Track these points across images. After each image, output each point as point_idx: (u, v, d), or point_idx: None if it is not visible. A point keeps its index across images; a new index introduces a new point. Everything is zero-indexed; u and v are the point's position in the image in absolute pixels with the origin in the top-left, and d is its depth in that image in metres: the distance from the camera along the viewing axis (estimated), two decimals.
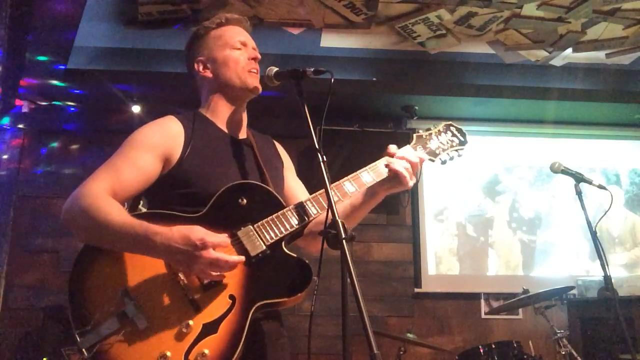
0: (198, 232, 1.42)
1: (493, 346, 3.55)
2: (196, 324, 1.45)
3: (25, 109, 4.40)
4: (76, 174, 4.62)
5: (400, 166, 1.69)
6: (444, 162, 1.85)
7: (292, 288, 1.52)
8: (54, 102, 4.46)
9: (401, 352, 3.70)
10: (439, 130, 1.86)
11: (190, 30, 1.87)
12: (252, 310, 1.48)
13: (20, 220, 4.58)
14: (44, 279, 4.44)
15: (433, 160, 1.82)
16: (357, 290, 1.26)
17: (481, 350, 3.55)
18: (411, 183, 1.70)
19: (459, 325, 4.73)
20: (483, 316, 4.77)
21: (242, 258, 1.49)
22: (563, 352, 3.45)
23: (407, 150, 1.76)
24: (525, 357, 3.53)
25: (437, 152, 1.83)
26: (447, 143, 1.85)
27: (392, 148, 1.75)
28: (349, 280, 1.29)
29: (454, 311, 4.77)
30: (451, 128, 1.89)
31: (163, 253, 1.43)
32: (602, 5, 3.73)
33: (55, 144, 4.79)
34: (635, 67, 4.53)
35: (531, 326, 4.67)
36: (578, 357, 3.42)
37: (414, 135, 1.83)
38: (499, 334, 4.66)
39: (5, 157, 4.72)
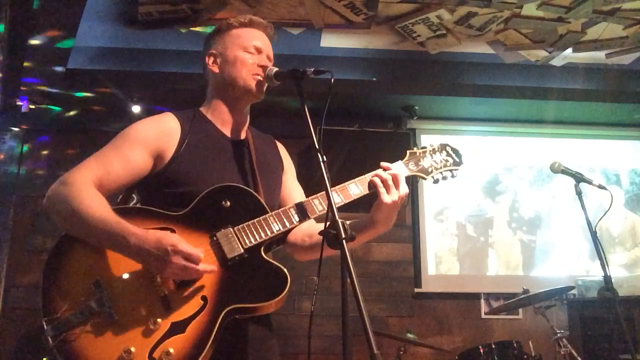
0: (171, 238, 1.43)
1: (493, 346, 3.55)
2: (165, 321, 1.44)
3: (25, 109, 4.40)
4: None
5: (377, 178, 1.65)
6: (436, 181, 1.83)
7: (265, 294, 1.50)
8: (53, 102, 4.45)
9: (401, 352, 3.70)
10: (433, 149, 1.85)
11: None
12: (223, 314, 1.46)
13: (20, 220, 4.58)
14: None
15: (425, 179, 1.80)
16: (357, 290, 1.25)
17: (481, 350, 3.55)
18: (386, 197, 1.63)
19: (459, 325, 4.73)
20: (483, 316, 4.77)
21: (214, 267, 1.49)
22: (563, 352, 3.45)
23: (396, 165, 1.74)
24: (525, 357, 3.53)
25: (430, 170, 1.81)
26: (441, 162, 1.84)
27: (384, 164, 1.71)
28: (349, 280, 1.29)
29: (454, 311, 4.77)
30: (447, 148, 1.88)
31: (135, 254, 1.44)
32: (602, 5, 3.72)
33: (55, 144, 4.79)
34: (635, 67, 4.53)
35: (531, 326, 4.68)
36: (578, 357, 3.42)
37: (408, 152, 1.82)
38: (499, 334, 4.66)
39: (5, 157, 4.72)
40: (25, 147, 4.78)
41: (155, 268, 1.44)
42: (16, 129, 4.76)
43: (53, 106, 4.53)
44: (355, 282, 1.26)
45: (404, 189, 1.67)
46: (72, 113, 4.65)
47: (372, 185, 1.67)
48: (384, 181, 1.65)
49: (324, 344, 4.27)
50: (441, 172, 1.84)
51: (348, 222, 1.72)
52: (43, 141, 4.80)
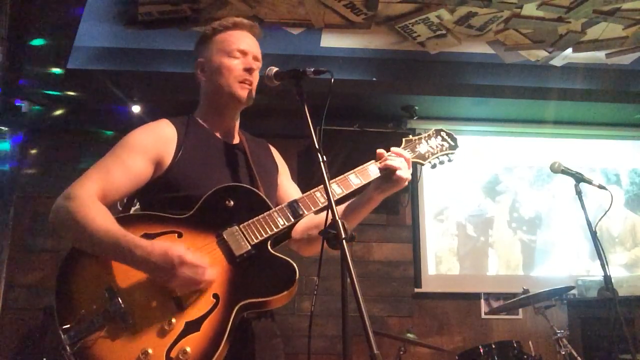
0: (177, 249, 1.44)
1: (493, 346, 3.56)
2: (179, 321, 1.46)
3: (25, 109, 4.40)
4: (76, 174, 4.60)
5: (397, 162, 1.71)
6: (433, 166, 1.87)
7: (276, 287, 1.53)
8: (53, 102, 4.45)
9: (401, 352, 3.70)
10: (428, 135, 1.89)
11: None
12: (236, 309, 1.48)
13: (20, 220, 4.58)
14: (44, 279, 4.44)
15: (422, 164, 1.84)
16: (357, 290, 1.26)
17: (481, 350, 3.55)
18: (405, 180, 1.70)
19: (459, 325, 4.73)
20: (483, 316, 4.77)
21: (215, 277, 1.50)
22: (563, 352, 3.45)
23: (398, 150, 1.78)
24: (525, 357, 3.53)
25: (427, 155, 1.85)
26: (437, 147, 1.88)
27: (382, 151, 1.77)
28: (349, 280, 1.29)
29: (454, 311, 4.77)
30: (441, 133, 1.91)
31: (142, 266, 1.46)
32: (602, 5, 3.72)
33: (55, 144, 4.79)
34: (635, 67, 4.52)
35: (531, 326, 4.67)
36: (578, 357, 3.43)
37: (404, 139, 1.86)
38: (499, 334, 4.66)
39: (5, 157, 4.72)
40: (25, 148, 4.77)
41: (162, 280, 1.46)
42: (16, 129, 4.76)
43: (53, 106, 4.52)
44: (355, 282, 1.27)
45: (410, 172, 1.75)
46: (72, 113, 4.65)
47: (388, 170, 1.71)
48: (403, 165, 1.71)
49: (324, 344, 4.27)
50: (438, 157, 1.88)
51: (345, 205, 1.76)
52: (43, 141, 4.79)
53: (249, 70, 1.74)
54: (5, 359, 4.27)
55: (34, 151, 4.78)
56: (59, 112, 4.61)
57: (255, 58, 1.78)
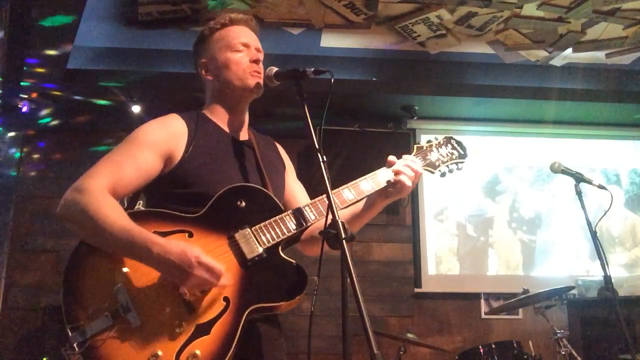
0: (194, 250, 1.43)
1: (493, 346, 3.56)
2: (189, 324, 1.44)
3: (25, 109, 4.40)
4: (76, 174, 4.59)
5: (405, 177, 1.71)
6: (443, 175, 1.87)
7: (287, 293, 1.52)
8: (53, 103, 4.45)
9: (401, 352, 3.69)
10: (439, 143, 1.89)
11: (191, 31, 1.87)
12: (246, 313, 1.47)
13: (20, 220, 4.58)
14: (44, 279, 4.44)
15: (432, 172, 1.84)
16: (357, 290, 1.26)
17: (481, 350, 3.55)
18: (409, 189, 1.72)
19: (459, 325, 4.73)
20: (483, 316, 4.77)
21: (231, 281, 1.50)
22: (563, 352, 3.45)
23: (411, 159, 1.78)
24: (525, 357, 3.53)
25: (437, 164, 1.85)
26: (447, 156, 1.88)
27: (392, 158, 1.76)
28: (349, 280, 1.29)
29: (454, 311, 4.77)
30: (451, 141, 1.91)
31: (157, 264, 1.44)
32: (602, 5, 3.72)
33: (54, 144, 4.79)
34: (635, 67, 4.53)
35: (531, 326, 4.67)
36: (578, 357, 3.42)
37: (415, 146, 1.85)
38: (499, 334, 4.66)
39: (5, 157, 4.72)
40: (25, 148, 4.77)
41: (177, 279, 1.44)
42: (16, 130, 4.76)
43: (53, 107, 4.52)
44: (355, 282, 1.27)
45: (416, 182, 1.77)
46: (71, 113, 4.65)
47: (397, 181, 1.71)
48: (411, 178, 1.73)
49: (324, 344, 4.27)
50: (447, 166, 1.87)
51: (349, 210, 1.75)
52: (43, 141, 4.79)
53: (256, 61, 1.75)
54: (5, 359, 4.27)
55: (34, 151, 4.78)
56: (58, 112, 4.61)
57: (257, 49, 1.79)
